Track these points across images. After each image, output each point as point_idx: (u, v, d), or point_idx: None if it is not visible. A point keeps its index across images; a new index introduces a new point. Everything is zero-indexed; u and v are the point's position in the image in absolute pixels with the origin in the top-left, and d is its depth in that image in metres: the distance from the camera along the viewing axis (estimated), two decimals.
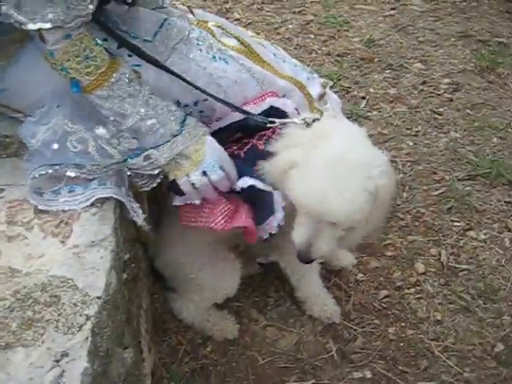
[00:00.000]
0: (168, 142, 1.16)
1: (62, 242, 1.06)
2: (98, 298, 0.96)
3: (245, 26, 2.51)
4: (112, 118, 1.13)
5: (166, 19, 1.21)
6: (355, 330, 1.51)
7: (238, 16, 2.70)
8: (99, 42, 1.08)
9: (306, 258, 1.16)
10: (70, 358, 0.87)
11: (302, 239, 1.15)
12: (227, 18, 2.27)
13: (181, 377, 1.37)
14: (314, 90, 1.48)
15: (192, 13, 1.45)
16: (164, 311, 1.50)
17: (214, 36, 1.37)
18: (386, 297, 1.60)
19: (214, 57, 1.29)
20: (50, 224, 1.09)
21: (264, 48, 1.47)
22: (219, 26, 1.44)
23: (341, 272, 1.64)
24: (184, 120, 1.18)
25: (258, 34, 2.35)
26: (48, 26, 0.99)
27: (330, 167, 1.10)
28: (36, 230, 1.08)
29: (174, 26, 1.21)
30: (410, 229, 1.78)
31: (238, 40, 1.43)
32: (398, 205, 1.83)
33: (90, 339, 0.90)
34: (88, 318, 0.93)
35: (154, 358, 1.37)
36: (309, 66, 2.28)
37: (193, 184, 1.18)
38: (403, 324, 1.53)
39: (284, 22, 2.67)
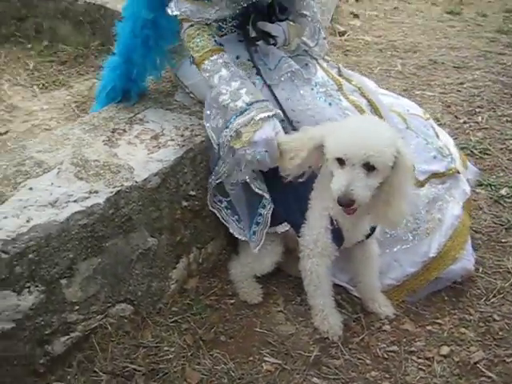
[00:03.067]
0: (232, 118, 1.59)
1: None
2: None
3: None
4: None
5: (282, 57, 1.77)
6: (343, 354, 1.68)
7: None
8: (216, 38, 1.68)
9: (345, 200, 1.37)
10: None
11: (339, 184, 1.38)
12: None
13: (201, 305, 1.82)
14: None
15: (339, 70, 1.96)
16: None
17: (340, 89, 1.85)
18: (391, 344, 1.71)
19: (321, 98, 1.78)
20: None
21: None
22: (358, 87, 1.91)
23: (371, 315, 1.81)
24: (252, 103, 1.58)
25: None
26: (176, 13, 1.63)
27: (359, 121, 1.48)
28: None
29: (285, 62, 1.76)
30: None
31: (368, 100, 1.88)
32: None
33: None
34: None
35: (185, 274, 1.83)
36: None
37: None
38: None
39: None
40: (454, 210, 1.92)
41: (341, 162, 1.42)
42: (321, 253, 1.65)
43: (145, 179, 1.53)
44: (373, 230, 1.69)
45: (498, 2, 6.41)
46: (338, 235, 1.64)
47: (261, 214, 1.74)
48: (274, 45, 1.79)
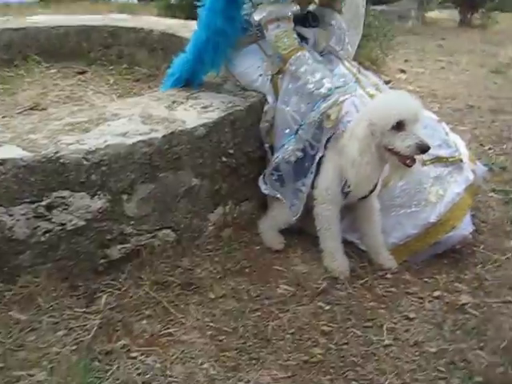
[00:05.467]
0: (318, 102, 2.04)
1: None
2: None
3: None
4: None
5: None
6: (347, 289, 1.98)
7: None
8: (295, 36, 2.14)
9: (424, 148, 1.78)
10: None
11: (417, 139, 1.77)
12: None
13: (232, 247, 2.18)
14: None
15: (359, 69, 2.37)
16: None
17: (357, 81, 2.26)
18: (390, 287, 1.99)
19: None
20: None
21: None
22: (375, 83, 2.32)
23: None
24: (332, 89, 2.04)
25: None
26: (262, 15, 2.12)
27: (393, 94, 1.99)
28: None
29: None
30: None
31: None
32: None
33: None
34: None
35: (221, 221, 2.19)
36: None
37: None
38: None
39: None
40: (455, 189, 2.22)
41: (399, 126, 1.81)
42: (331, 199, 2.01)
43: (193, 127, 1.96)
44: (374, 187, 2.03)
45: None
46: (345, 186, 2.00)
47: (301, 191, 2.12)
48: (306, 44, 2.25)
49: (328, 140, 2.04)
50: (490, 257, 2.22)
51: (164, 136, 1.88)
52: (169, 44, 3.44)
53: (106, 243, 1.86)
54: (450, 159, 2.28)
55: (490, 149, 3.52)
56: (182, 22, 3.88)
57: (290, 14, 2.12)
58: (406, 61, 6.67)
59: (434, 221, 2.13)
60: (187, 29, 3.44)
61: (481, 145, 3.55)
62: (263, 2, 2.13)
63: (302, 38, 2.23)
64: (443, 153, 2.27)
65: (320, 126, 2.06)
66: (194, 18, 4.68)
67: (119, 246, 1.89)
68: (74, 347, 1.63)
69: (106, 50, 3.66)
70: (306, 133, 2.08)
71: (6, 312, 1.71)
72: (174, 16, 5.25)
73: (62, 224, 1.76)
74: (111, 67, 3.63)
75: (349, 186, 1.96)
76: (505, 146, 3.55)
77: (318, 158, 2.07)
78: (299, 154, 2.11)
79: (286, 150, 2.12)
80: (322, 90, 2.05)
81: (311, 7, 2.34)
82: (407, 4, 9.97)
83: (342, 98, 2.03)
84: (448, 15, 11.21)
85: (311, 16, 2.32)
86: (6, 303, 1.74)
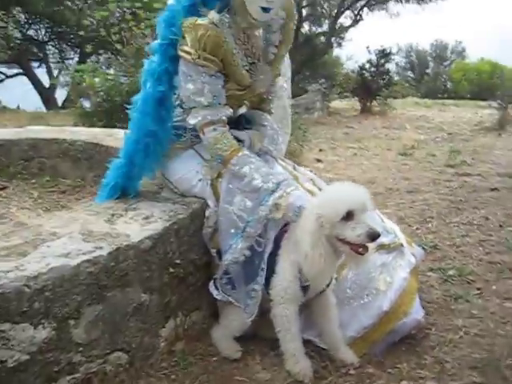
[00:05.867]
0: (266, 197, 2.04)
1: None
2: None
3: None
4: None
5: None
6: None
7: None
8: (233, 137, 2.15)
9: (376, 236, 1.81)
10: None
11: (367, 227, 1.80)
12: None
13: (187, 361, 2.05)
14: None
15: (294, 167, 2.43)
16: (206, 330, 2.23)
17: (295, 178, 2.30)
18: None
19: None
20: None
21: None
22: (311, 178, 2.37)
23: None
24: (279, 183, 2.05)
25: None
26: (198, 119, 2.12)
27: (338, 186, 1.95)
28: None
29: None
30: None
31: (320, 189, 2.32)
32: None
33: None
34: None
35: (173, 335, 2.07)
36: None
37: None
38: None
39: None
40: (401, 274, 2.27)
41: (349, 216, 1.82)
42: (290, 299, 1.97)
43: (139, 240, 1.89)
44: (330, 280, 2.03)
45: (446, 144, 7.31)
46: (303, 284, 1.97)
47: (255, 290, 2.07)
48: (243, 146, 2.28)
49: (280, 238, 2.04)
50: (444, 338, 2.24)
51: (110, 253, 1.79)
52: (93, 153, 3.39)
53: (54, 376, 1.69)
54: (392, 245, 2.34)
55: (417, 229, 3.67)
56: (106, 130, 3.86)
57: (224, 117, 2.16)
58: (320, 150, 7.00)
59: (387, 309, 2.14)
60: (112, 137, 3.43)
61: (409, 225, 3.69)
62: (196, 107, 2.14)
63: (238, 141, 2.27)
64: (385, 240, 2.32)
65: (267, 222, 2.06)
66: (112, 125, 4.72)
67: (68, 377, 1.72)
68: None
69: (27, 163, 3.54)
70: (254, 229, 2.06)
71: None
72: (91, 124, 5.24)
73: (2, 361, 1.59)
74: (33, 180, 3.49)
75: (306, 280, 1.94)
76: (430, 225, 3.72)
77: (267, 254, 2.05)
78: (247, 252, 2.08)
79: (235, 249, 2.08)
80: (270, 185, 2.06)
81: (242, 110, 2.40)
82: (312, 96, 10.63)
83: (289, 189, 2.05)
84: (347, 104, 12.07)
85: (244, 119, 2.38)
86: None
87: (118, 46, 5.86)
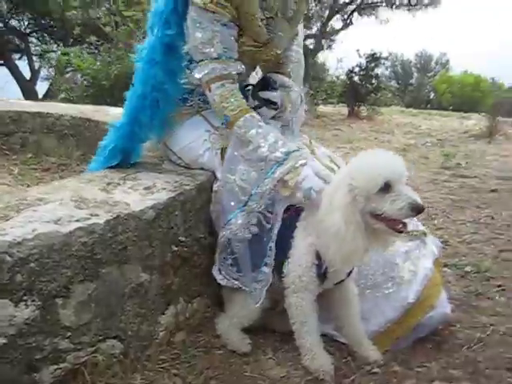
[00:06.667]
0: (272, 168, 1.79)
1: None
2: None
3: None
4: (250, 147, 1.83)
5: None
6: None
7: None
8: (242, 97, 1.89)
9: (420, 208, 1.54)
10: None
11: (411, 198, 1.54)
12: None
13: (189, 354, 1.79)
14: None
15: (310, 141, 2.18)
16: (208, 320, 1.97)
17: (312, 153, 2.06)
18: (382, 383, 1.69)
19: None
20: None
21: None
22: (328, 154, 2.13)
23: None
24: (288, 153, 1.79)
25: None
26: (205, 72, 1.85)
27: (373, 153, 1.65)
28: None
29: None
30: None
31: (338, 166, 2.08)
32: None
33: None
34: None
35: (173, 324, 1.82)
36: None
37: None
38: None
39: None
40: (425, 263, 2.04)
41: (386, 187, 1.56)
42: (305, 287, 1.72)
43: (141, 210, 1.62)
44: (352, 268, 1.79)
45: (437, 148, 7.16)
46: (321, 271, 1.72)
47: (263, 272, 1.81)
48: (276, 109, 2.03)
49: (296, 217, 1.79)
50: (471, 335, 2.02)
51: (107, 221, 1.52)
52: (82, 130, 3.10)
53: (35, 364, 1.41)
54: (415, 233, 2.12)
55: (424, 225, 3.45)
56: (95, 106, 3.57)
57: (234, 72, 1.90)
58: None
59: (412, 301, 1.90)
60: (102, 113, 3.15)
61: None
62: (204, 60, 1.88)
63: (270, 103, 2.01)
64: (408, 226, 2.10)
65: (273, 195, 1.81)
66: None
67: (52, 368, 1.44)
68: None
69: (8, 138, 3.23)
70: (257, 204, 1.81)
71: None
72: None
73: None
74: (14, 157, 3.19)
75: (331, 266, 1.69)
76: (436, 222, 3.52)
77: (275, 231, 1.80)
78: (254, 229, 1.82)
79: (235, 224, 1.83)
80: (278, 154, 1.80)
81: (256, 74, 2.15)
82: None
83: (300, 163, 1.79)
84: (334, 109, 11.92)
85: (272, 80, 2.12)
86: None
87: (107, 29, 5.56)
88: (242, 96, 1.91)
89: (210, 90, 1.89)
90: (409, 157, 6.31)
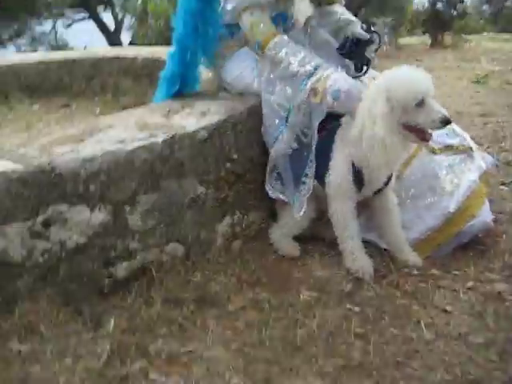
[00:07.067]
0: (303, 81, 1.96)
1: None
2: None
3: None
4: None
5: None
6: (374, 289, 1.84)
7: None
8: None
9: (448, 119, 1.71)
10: None
11: (440, 112, 1.70)
12: None
13: (244, 258, 2.03)
14: None
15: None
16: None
17: None
18: (419, 283, 1.85)
19: None
20: None
21: None
22: None
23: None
24: (317, 66, 1.96)
25: None
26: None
27: (410, 69, 1.78)
28: None
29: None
30: None
31: None
32: None
33: None
34: None
35: (230, 233, 2.06)
36: None
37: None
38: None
39: None
40: (470, 177, 2.12)
41: (421, 101, 1.71)
42: (344, 194, 1.88)
43: (194, 130, 1.84)
44: (389, 179, 1.92)
45: None
46: (358, 178, 1.87)
47: (304, 183, 1.99)
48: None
49: (334, 131, 1.93)
50: None
51: (164, 141, 1.75)
52: (154, 70, 3.33)
53: (111, 261, 1.70)
54: (460, 147, 2.19)
55: (488, 147, 3.45)
56: (165, 48, 3.80)
57: (263, 1, 2.05)
58: None
59: (453, 210, 2.01)
60: None
61: (480, 144, 3.47)
62: None
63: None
64: (452, 141, 2.18)
65: (308, 112, 1.96)
66: None
67: (125, 264, 1.73)
68: (84, 375, 1.45)
69: (89, 82, 3.56)
70: (295, 117, 1.98)
71: (4, 344, 1.53)
72: None
73: (62, 242, 1.61)
74: (96, 98, 3.52)
75: (369, 173, 1.84)
76: (503, 144, 3.49)
77: (314, 145, 1.95)
78: (294, 145, 2.00)
79: (282, 140, 2.01)
80: (308, 67, 1.97)
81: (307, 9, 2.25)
82: (380, 29, 10.12)
83: (327, 72, 1.94)
84: (417, 40, 11.44)
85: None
86: (2, 335, 1.55)
87: None
88: (270, 21, 2.06)
89: (241, 20, 2.08)
90: (490, 83, 6.09)
